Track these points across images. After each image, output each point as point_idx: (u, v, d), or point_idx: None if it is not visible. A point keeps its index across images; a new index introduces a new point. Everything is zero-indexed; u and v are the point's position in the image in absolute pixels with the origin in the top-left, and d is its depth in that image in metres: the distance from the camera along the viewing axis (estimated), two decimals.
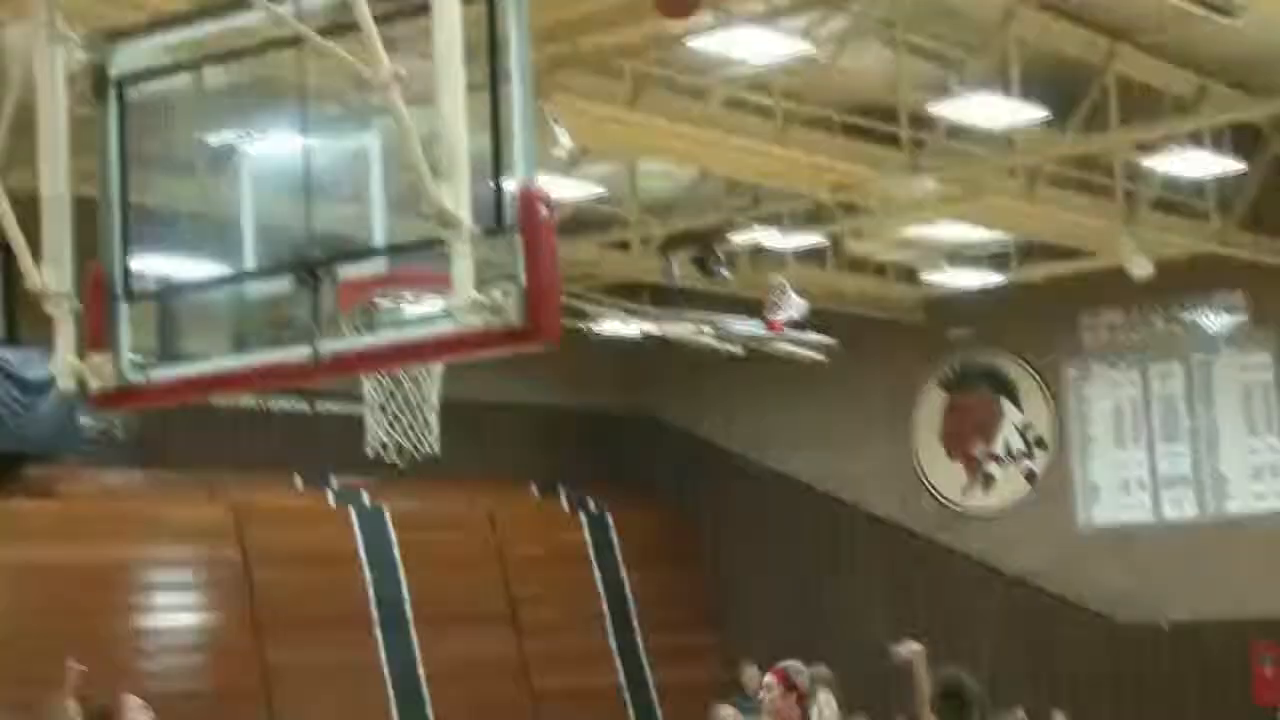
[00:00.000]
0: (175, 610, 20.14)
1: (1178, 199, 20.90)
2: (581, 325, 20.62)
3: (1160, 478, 23.92)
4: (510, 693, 21.12)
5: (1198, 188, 20.81)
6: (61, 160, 6.13)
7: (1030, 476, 24.77)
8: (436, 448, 8.85)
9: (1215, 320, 23.45)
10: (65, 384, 6.20)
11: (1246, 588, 22.57)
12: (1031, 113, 17.03)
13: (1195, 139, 19.02)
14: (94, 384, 6.15)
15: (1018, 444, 24.90)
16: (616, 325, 21.82)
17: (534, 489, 24.94)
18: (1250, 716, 22.35)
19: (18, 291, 18.00)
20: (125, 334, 6.23)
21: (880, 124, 18.10)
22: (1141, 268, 20.10)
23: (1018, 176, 18.66)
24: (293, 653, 20.03)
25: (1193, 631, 22.88)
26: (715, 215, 19.91)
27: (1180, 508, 23.74)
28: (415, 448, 8.72)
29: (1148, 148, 18.83)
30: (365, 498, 22.36)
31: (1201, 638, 22.76)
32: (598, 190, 19.63)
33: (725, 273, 19.42)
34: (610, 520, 25.07)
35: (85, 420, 19.13)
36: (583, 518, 24.93)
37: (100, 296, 6.18)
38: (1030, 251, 22.26)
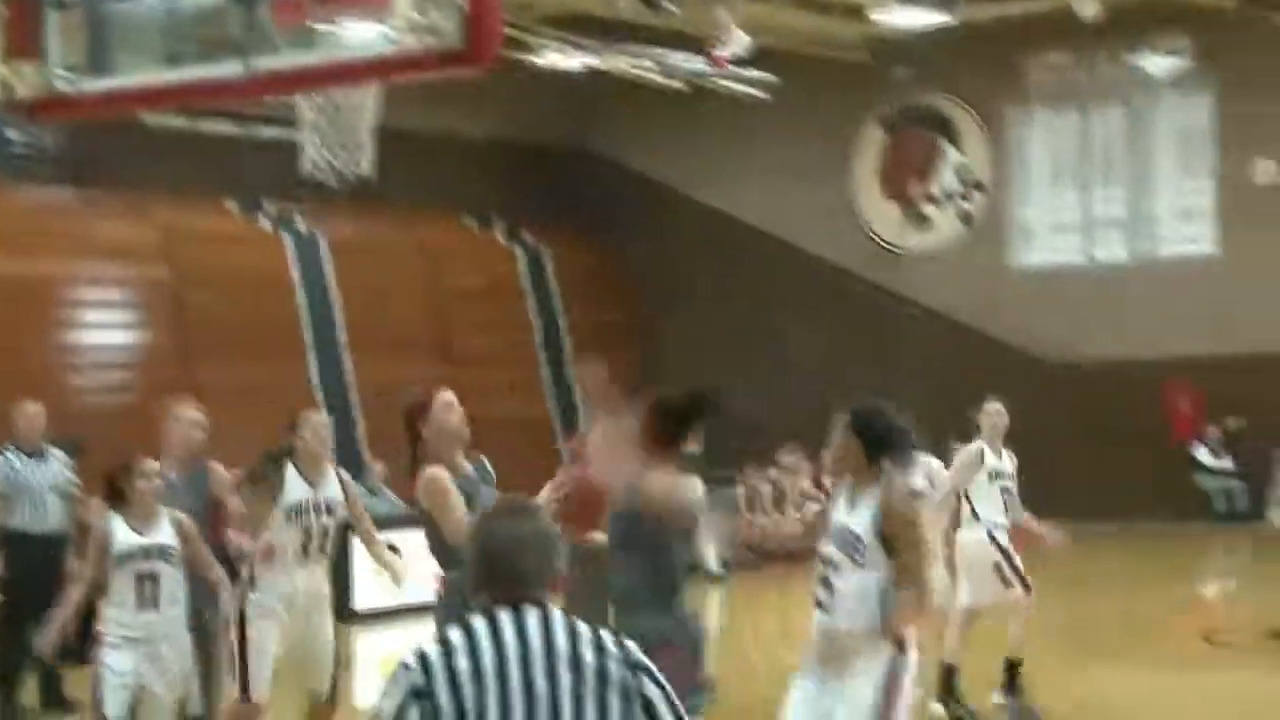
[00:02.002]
0: (105, 328, 20.15)
1: None
2: (522, 57, 20.38)
3: (1094, 220, 24.18)
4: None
5: None
6: None
7: (966, 218, 24.97)
8: (370, 169, 8.82)
9: (1159, 63, 23.47)
10: None
11: (1170, 328, 23.03)
12: None
13: None
14: (21, 92, 6.07)
15: (955, 185, 25.03)
16: (558, 58, 21.58)
17: (469, 220, 24.92)
18: (1168, 451, 23.01)
19: None
20: (55, 43, 6.13)
21: None
22: (1089, 9, 19.98)
23: None
24: (223, 373, 20.08)
25: (1116, 370, 23.36)
26: None
27: (1110, 249, 24.07)
28: (349, 169, 8.68)
29: None
30: (300, 224, 22.28)
31: (1124, 376, 23.27)
32: None
33: (671, 6, 19.15)
34: (545, 252, 25.13)
35: (13, 134, 18.86)
36: (517, 250, 24.98)
37: (28, 2, 6.07)
38: None
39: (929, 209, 25.19)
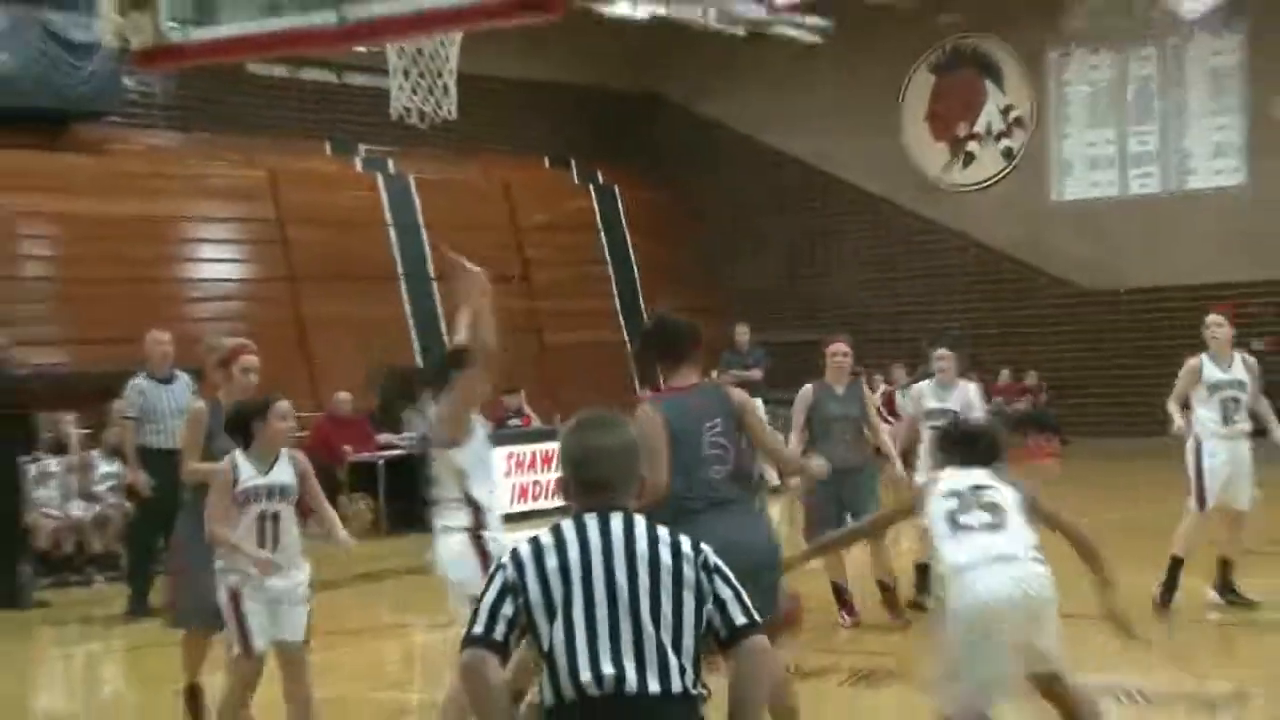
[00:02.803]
0: (216, 262, 20.29)
1: None
2: (593, 6, 20.28)
3: (1129, 155, 23.91)
4: (523, 345, 21.41)
5: None
6: None
7: (1008, 154, 24.74)
8: (454, 111, 8.84)
9: (1191, 5, 23.12)
10: (107, 40, 6.14)
11: (1201, 257, 22.79)
12: None
13: None
14: (134, 41, 6.09)
15: (998, 124, 24.78)
16: (626, 8, 21.46)
17: (546, 162, 24.90)
18: None
19: None
20: None
21: None
22: None
23: None
24: (326, 303, 20.27)
25: (1149, 296, 23.15)
26: None
27: (1145, 184, 23.80)
28: (435, 111, 8.71)
29: None
30: (391, 165, 22.34)
31: (1157, 302, 23.06)
32: None
33: None
34: (617, 191, 25.10)
35: (129, 82, 18.96)
36: (591, 189, 24.96)
37: None
38: None
39: (974, 146, 24.97)
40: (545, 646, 3.61)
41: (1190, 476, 10.23)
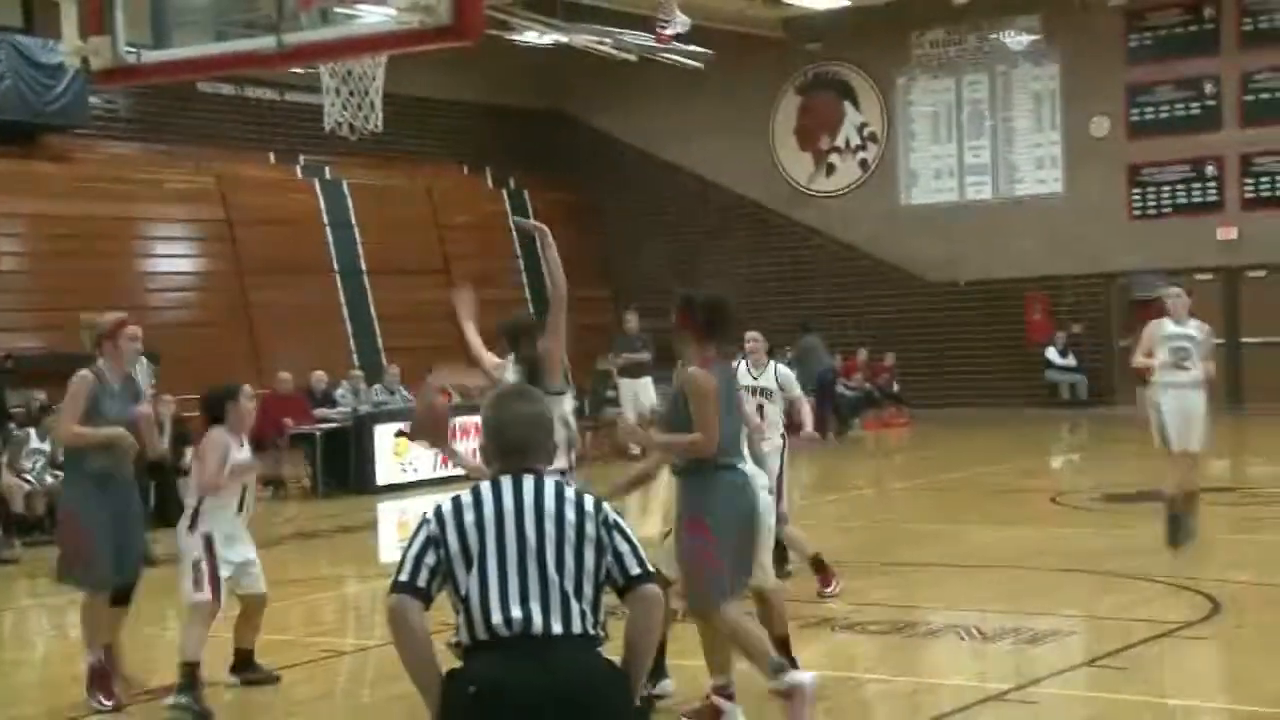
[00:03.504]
0: (173, 258, 19.98)
1: None
2: (504, 34, 20.15)
3: (966, 166, 24.17)
4: (444, 329, 21.27)
5: None
6: None
7: (864, 165, 24.90)
8: (380, 125, 8.72)
9: (1016, 39, 23.47)
10: (70, 62, 5.99)
11: (1026, 253, 23.12)
12: None
13: None
14: (96, 63, 5.95)
15: (855, 139, 24.95)
16: (533, 35, 21.34)
17: (465, 169, 24.74)
18: (1024, 352, 23.20)
19: None
20: (120, 21, 6.01)
21: None
22: None
23: None
24: (270, 294, 20.03)
25: (984, 287, 23.47)
26: None
27: (979, 191, 24.09)
28: (364, 125, 8.59)
29: None
30: (327, 172, 22.08)
31: (990, 292, 23.39)
32: None
33: None
34: (527, 196, 24.98)
35: (94, 99, 18.61)
36: (504, 194, 24.82)
37: None
38: None
39: (834, 158, 25.12)
40: (462, 593, 3.58)
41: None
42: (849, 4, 22.03)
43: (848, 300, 24.11)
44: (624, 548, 3.66)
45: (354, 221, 21.94)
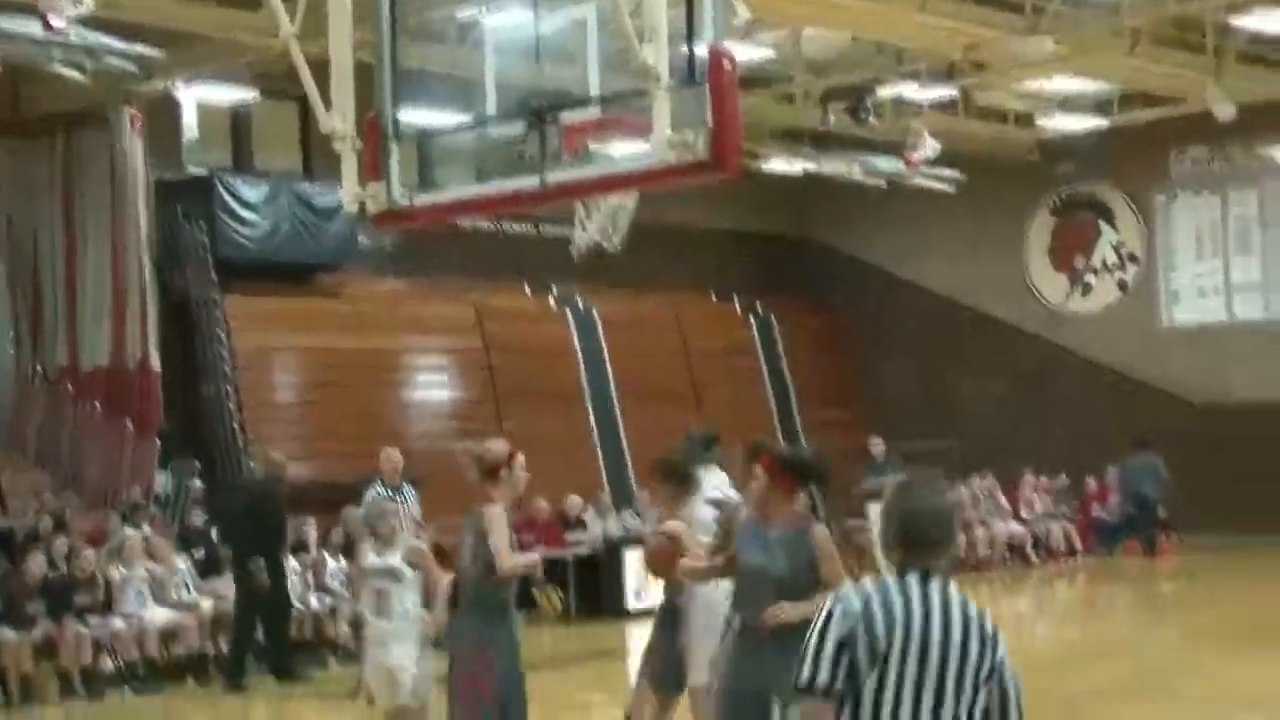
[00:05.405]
0: (433, 387, 20.68)
1: (1260, 51, 19.94)
2: (753, 165, 20.47)
3: (1233, 284, 23.30)
4: None
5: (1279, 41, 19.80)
6: (346, 31, 6.22)
7: (1122, 285, 24.25)
8: (620, 248, 8.89)
9: None
10: (350, 207, 6.37)
11: None
12: None
13: None
14: (371, 207, 6.31)
15: (1112, 259, 24.33)
16: (782, 164, 21.63)
17: (713, 296, 25.03)
18: None
19: (312, 136, 18.45)
20: (395, 168, 6.36)
21: None
22: (1225, 111, 19.31)
23: (1123, 36, 17.92)
24: (524, 421, 20.41)
25: (1254, 410, 22.43)
26: (865, 72, 19.48)
27: (1249, 308, 23.16)
28: (609, 249, 8.79)
29: (1237, 7, 17.90)
30: (579, 301, 22.62)
31: (1261, 416, 22.32)
32: (768, 53, 19.26)
33: (872, 120, 19.06)
34: (774, 320, 25.10)
35: (362, 239, 19.57)
36: (751, 319, 24.99)
37: (375, 138, 6.31)
38: (1130, 98, 21.49)
39: (1091, 278, 24.54)
40: (864, 699, 3.44)
41: None
42: (1105, 124, 21.63)
43: (1108, 424, 23.31)
44: (1009, 688, 3.52)
45: (605, 349, 22.35)
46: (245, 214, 18.28)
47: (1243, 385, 22.57)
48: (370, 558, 7.31)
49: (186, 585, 13.37)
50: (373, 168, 6.33)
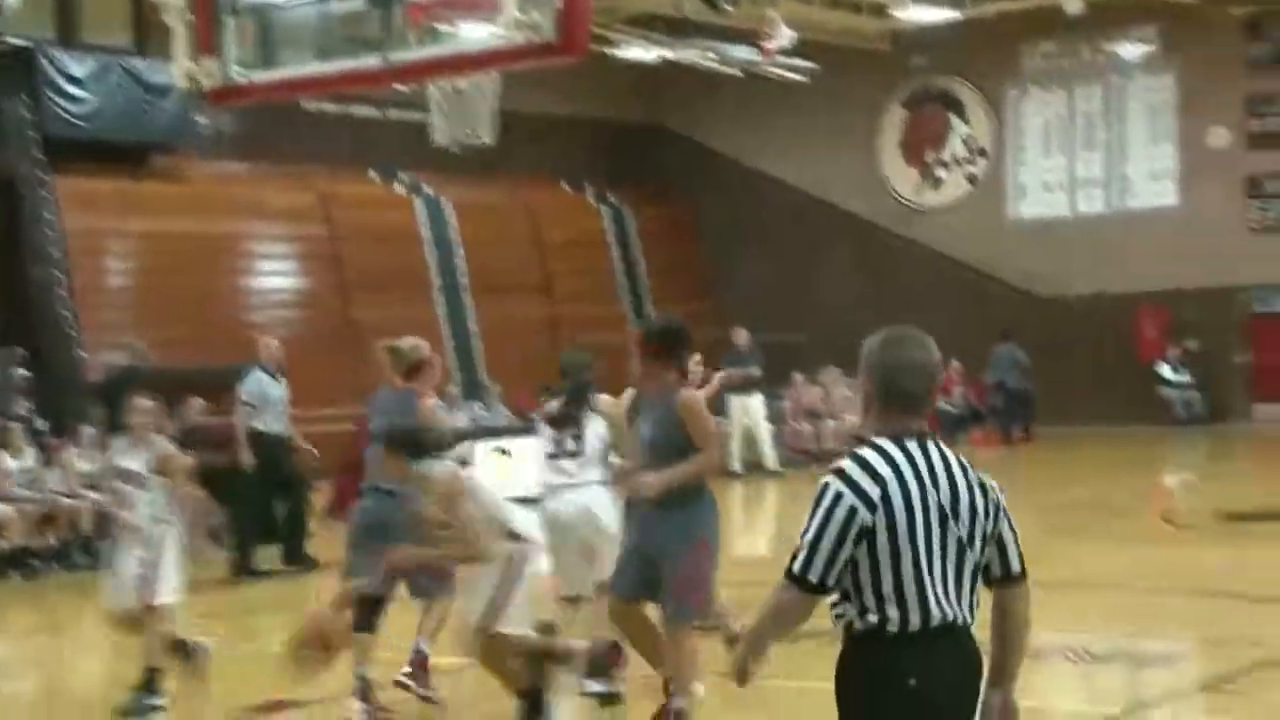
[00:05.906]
0: (277, 275, 20.36)
1: None
2: (607, 50, 20.31)
3: (1077, 179, 23.90)
4: (542, 346, 21.44)
5: None
6: None
7: (972, 179, 24.72)
8: (492, 141, 8.82)
9: (1130, 50, 23.15)
10: (181, 82, 6.21)
11: (1139, 267, 22.76)
12: None
13: None
14: (205, 83, 6.16)
15: (963, 152, 24.77)
16: (637, 51, 21.49)
17: (565, 185, 24.91)
18: (1136, 369, 22.82)
19: (144, 8, 17.81)
20: (230, 43, 6.22)
21: None
22: (1074, 6, 19.65)
23: None
24: (371, 310, 20.27)
25: (1095, 302, 23.15)
26: None
27: (1092, 203, 23.80)
28: (473, 141, 8.70)
29: None
30: (429, 189, 22.37)
31: (1101, 307, 23.06)
32: None
33: (728, 7, 18.99)
34: (626, 212, 25.11)
35: (200, 119, 19.05)
36: (604, 210, 24.96)
37: (209, 10, 6.14)
38: None
39: (941, 171, 24.96)
40: (885, 578, 3.33)
41: None
42: (958, 16, 21.86)
43: (954, 317, 23.87)
44: (1009, 538, 3.50)
45: (455, 238, 22.18)
46: (72, 89, 17.63)
47: (1084, 279, 23.26)
48: (116, 456, 6.91)
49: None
50: (205, 42, 6.17)
